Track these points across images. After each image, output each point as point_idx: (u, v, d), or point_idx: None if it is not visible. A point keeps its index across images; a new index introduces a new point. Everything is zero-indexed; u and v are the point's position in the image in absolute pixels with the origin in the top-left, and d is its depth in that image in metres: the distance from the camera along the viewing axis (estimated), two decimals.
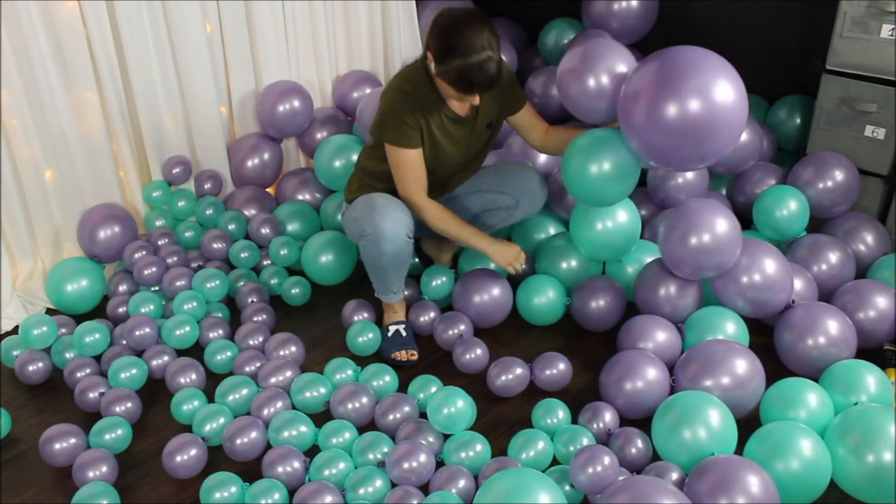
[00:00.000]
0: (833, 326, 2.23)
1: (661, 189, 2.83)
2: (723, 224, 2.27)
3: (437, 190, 2.50)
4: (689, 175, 2.81)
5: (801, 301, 2.35)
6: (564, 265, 2.61)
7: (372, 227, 2.29)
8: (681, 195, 2.81)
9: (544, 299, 2.55)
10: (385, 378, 2.28)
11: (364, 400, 2.17)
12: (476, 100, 2.20)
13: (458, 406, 2.04)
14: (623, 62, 2.30)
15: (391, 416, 2.14)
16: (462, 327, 2.46)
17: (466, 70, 2.11)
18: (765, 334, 2.48)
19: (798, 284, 2.39)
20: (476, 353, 2.37)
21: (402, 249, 2.33)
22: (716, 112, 2.05)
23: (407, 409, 2.15)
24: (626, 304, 2.56)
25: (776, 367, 2.32)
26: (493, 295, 2.52)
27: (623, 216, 2.47)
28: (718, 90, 2.04)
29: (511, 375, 2.27)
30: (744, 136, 2.88)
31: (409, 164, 2.31)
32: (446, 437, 2.07)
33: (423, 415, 2.16)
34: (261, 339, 2.45)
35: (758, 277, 2.28)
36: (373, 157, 2.45)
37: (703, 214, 2.28)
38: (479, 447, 2.02)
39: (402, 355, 2.45)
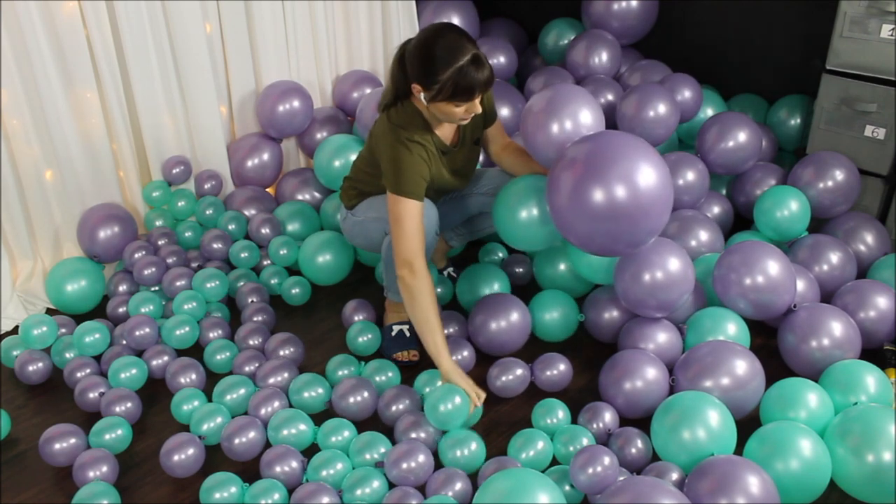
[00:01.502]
0: (837, 328, 2.23)
1: None
2: (674, 262, 2.25)
3: (437, 196, 2.50)
4: (690, 177, 2.81)
5: (804, 303, 2.35)
6: (562, 266, 2.60)
7: None
8: (683, 197, 2.81)
9: (556, 315, 2.48)
10: (388, 374, 2.30)
11: (365, 394, 2.18)
12: (478, 107, 2.13)
13: (455, 402, 2.04)
14: (588, 109, 2.29)
15: (394, 408, 2.15)
16: (454, 329, 2.46)
17: (462, 74, 2.03)
18: (765, 335, 2.48)
19: (800, 285, 2.39)
20: (462, 356, 2.37)
21: (430, 247, 2.29)
22: (640, 199, 2.03)
23: (409, 401, 2.16)
24: None
25: (777, 367, 2.32)
26: (510, 321, 2.39)
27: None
28: (642, 177, 2.04)
29: (511, 376, 2.27)
30: (743, 137, 2.88)
31: (415, 217, 2.13)
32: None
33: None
34: (261, 339, 2.45)
35: (761, 279, 2.27)
36: (374, 179, 2.35)
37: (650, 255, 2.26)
38: (475, 446, 2.02)
39: (404, 356, 2.45)
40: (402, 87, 2.19)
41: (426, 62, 2.06)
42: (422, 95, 2.11)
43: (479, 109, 2.15)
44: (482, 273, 2.60)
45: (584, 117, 2.27)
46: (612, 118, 3.23)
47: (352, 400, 2.17)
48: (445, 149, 2.29)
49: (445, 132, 2.29)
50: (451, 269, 2.80)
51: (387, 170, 2.19)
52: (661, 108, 2.92)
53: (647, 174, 2.05)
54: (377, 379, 2.28)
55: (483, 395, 2.13)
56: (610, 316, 2.45)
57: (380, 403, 2.18)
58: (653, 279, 2.23)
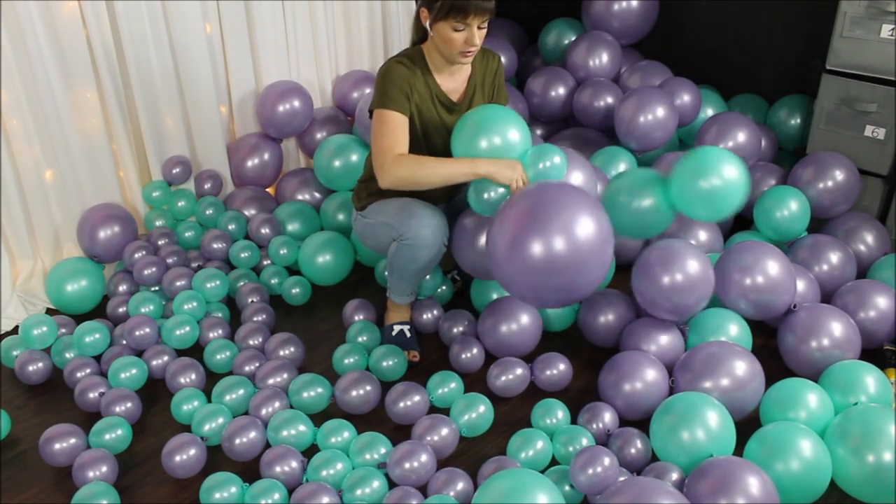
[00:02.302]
0: (837, 328, 2.23)
1: None
2: (694, 264, 2.22)
3: (442, 194, 2.49)
4: None
5: (804, 303, 2.35)
6: None
7: (412, 233, 2.24)
8: None
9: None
10: (394, 359, 2.34)
11: (368, 388, 2.20)
12: (476, 40, 2.15)
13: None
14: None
15: (402, 404, 2.16)
16: (463, 327, 2.47)
17: None
18: (765, 335, 2.48)
19: (800, 285, 2.39)
20: (472, 353, 2.38)
21: (436, 257, 2.30)
22: (579, 251, 1.97)
23: (417, 398, 2.17)
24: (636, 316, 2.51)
25: (777, 368, 2.32)
26: (521, 324, 2.38)
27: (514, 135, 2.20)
28: (580, 229, 1.96)
29: (511, 376, 2.27)
30: (741, 137, 2.88)
31: (391, 123, 2.18)
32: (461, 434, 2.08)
33: (434, 408, 2.22)
34: (261, 339, 2.45)
35: (761, 279, 2.27)
36: None
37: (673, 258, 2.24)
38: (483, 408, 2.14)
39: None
40: (416, 30, 2.29)
41: None
42: (428, 22, 2.18)
43: (478, 43, 2.17)
44: None
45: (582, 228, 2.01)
46: (611, 121, 3.23)
47: (354, 393, 2.18)
48: (447, 101, 2.31)
49: (448, 84, 2.31)
50: (455, 272, 2.80)
51: (374, 93, 2.25)
52: (660, 112, 2.92)
53: (586, 226, 1.98)
54: (384, 364, 2.32)
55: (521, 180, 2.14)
56: (605, 319, 2.43)
57: (387, 399, 2.19)
58: (672, 281, 2.21)
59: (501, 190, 2.15)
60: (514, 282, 2.07)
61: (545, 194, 2.03)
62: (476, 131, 2.16)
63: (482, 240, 2.22)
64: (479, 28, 2.15)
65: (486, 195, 2.17)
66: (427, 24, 2.19)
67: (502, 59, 3.48)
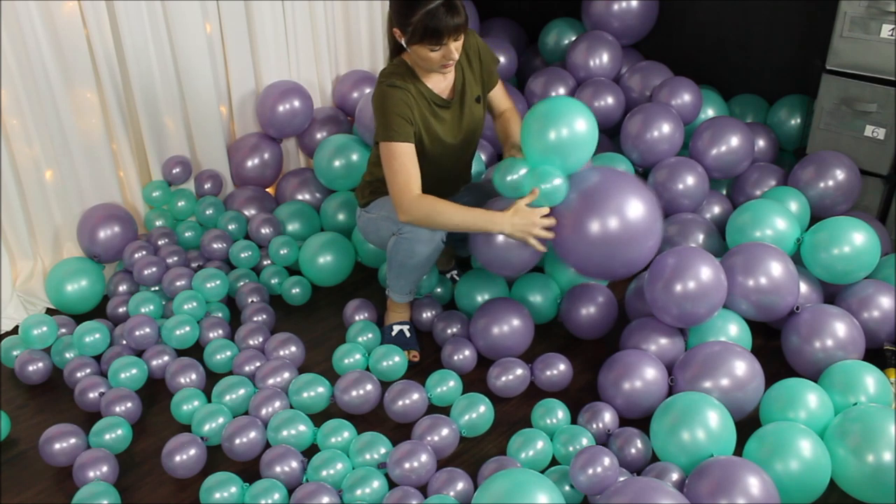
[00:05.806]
0: (841, 329, 2.23)
1: (662, 197, 2.82)
2: (707, 272, 2.21)
3: (445, 189, 2.48)
4: (690, 181, 2.80)
5: (806, 304, 2.34)
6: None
7: (410, 226, 2.25)
8: (683, 201, 2.80)
9: (539, 298, 2.53)
10: (394, 359, 2.33)
11: (369, 387, 2.20)
12: (454, 54, 2.15)
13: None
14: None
15: (400, 403, 2.16)
16: (457, 328, 2.47)
17: (430, 16, 2.06)
18: (765, 336, 2.48)
19: (802, 287, 2.39)
20: (465, 354, 2.38)
21: (435, 252, 2.31)
22: (630, 228, 2.13)
23: (416, 396, 2.17)
24: (619, 312, 2.52)
25: (778, 368, 2.32)
26: (512, 325, 2.38)
27: (581, 125, 2.16)
28: (631, 210, 2.13)
29: (511, 376, 2.27)
30: (735, 141, 2.87)
31: (401, 157, 2.19)
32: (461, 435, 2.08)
33: (434, 406, 2.22)
34: (261, 339, 2.45)
35: (764, 281, 2.27)
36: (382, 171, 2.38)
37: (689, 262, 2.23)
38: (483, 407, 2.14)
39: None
40: (392, 42, 2.27)
41: (402, 4, 2.12)
42: (403, 41, 2.16)
43: (455, 57, 2.17)
44: (481, 277, 2.59)
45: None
46: (611, 122, 3.23)
47: (354, 393, 2.18)
48: (441, 102, 2.30)
49: (439, 85, 2.30)
50: (454, 272, 2.80)
51: (375, 119, 2.24)
52: (665, 129, 2.92)
53: (637, 207, 2.14)
54: (384, 364, 2.32)
55: (548, 225, 2.19)
56: (587, 312, 2.45)
57: (386, 398, 2.19)
58: (684, 289, 2.20)
59: (524, 171, 2.19)
60: (574, 254, 2.21)
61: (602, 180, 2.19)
62: (545, 123, 2.15)
63: (499, 236, 2.27)
64: (454, 41, 2.13)
65: (509, 177, 2.21)
66: (402, 42, 2.17)
67: (501, 60, 3.50)
